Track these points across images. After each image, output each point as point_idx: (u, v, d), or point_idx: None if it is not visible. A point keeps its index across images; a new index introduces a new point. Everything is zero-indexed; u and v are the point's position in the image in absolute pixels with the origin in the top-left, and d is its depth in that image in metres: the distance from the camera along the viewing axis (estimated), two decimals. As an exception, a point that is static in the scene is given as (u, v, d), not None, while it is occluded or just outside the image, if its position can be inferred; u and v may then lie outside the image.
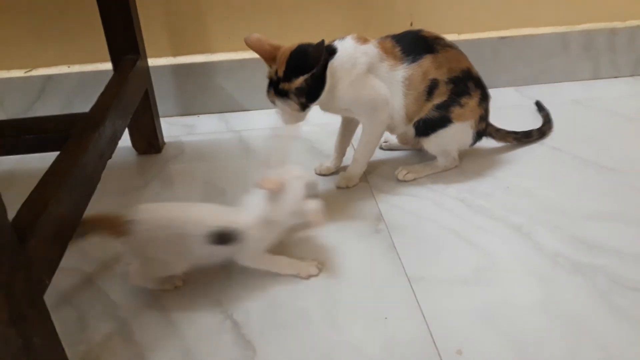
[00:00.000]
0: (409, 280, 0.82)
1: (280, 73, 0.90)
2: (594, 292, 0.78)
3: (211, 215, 0.79)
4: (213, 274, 0.84)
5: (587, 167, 1.08)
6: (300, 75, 0.89)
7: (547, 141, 1.17)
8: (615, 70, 1.45)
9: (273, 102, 0.94)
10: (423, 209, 0.98)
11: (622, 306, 0.76)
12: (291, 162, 0.82)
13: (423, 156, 1.11)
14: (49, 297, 0.59)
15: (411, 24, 1.35)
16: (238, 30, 1.33)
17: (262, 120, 1.34)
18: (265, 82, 0.94)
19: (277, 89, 0.91)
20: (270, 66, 0.93)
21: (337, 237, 0.92)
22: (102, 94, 0.95)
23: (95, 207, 0.77)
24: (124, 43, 1.09)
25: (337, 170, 1.10)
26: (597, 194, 1.00)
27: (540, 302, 0.77)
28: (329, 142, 1.11)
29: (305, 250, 0.89)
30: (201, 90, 1.37)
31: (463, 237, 0.90)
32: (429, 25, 1.33)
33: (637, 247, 0.86)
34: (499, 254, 0.87)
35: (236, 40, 1.34)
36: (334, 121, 1.08)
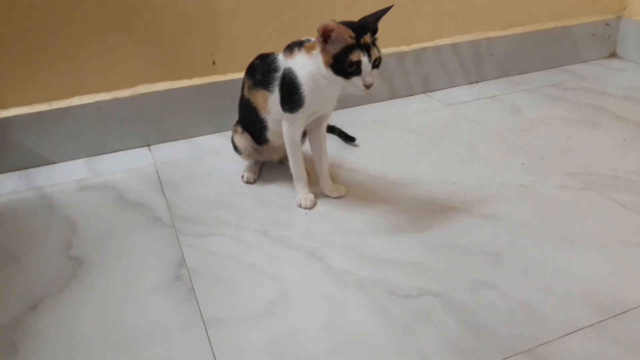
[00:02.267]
0: (204, 324, 0.83)
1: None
2: (373, 304, 0.86)
3: None
4: None
5: (377, 183, 1.18)
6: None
7: (346, 164, 1.26)
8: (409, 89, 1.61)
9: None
10: (226, 248, 1.00)
11: (395, 315, 0.84)
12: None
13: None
14: None
15: (214, 63, 1.39)
16: (30, 82, 1.26)
17: (69, 172, 1.28)
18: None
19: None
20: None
21: (136, 290, 0.91)
22: None
23: None
24: None
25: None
26: (382, 210, 1.09)
27: (327, 324, 0.83)
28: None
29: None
30: (-4, 149, 1.27)
31: (261, 270, 0.94)
32: (229, 64, 1.39)
33: (410, 256, 0.96)
34: (293, 282, 0.91)
35: (30, 93, 1.27)
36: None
